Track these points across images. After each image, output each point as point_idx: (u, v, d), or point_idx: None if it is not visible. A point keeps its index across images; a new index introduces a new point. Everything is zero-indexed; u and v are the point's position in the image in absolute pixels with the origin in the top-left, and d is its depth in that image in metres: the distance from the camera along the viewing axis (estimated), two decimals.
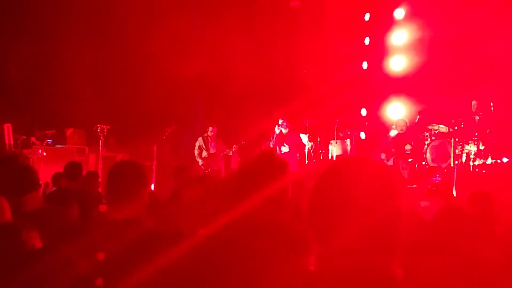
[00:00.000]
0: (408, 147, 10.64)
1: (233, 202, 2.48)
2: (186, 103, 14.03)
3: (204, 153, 12.31)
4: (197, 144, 12.40)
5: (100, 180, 8.22)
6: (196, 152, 12.36)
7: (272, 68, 14.86)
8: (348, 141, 12.98)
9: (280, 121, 12.18)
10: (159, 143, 12.49)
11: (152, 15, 13.77)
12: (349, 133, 13.00)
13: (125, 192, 2.88)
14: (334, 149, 12.79)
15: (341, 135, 12.95)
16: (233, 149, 12.15)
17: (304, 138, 12.89)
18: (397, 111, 13.28)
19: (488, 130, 11.41)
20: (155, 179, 11.79)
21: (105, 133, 11.87)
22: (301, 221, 1.85)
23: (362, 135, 13.73)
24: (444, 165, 11.27)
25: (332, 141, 12.93)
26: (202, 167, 12.05)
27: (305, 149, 12.76)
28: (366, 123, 14.01)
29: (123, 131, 13.02)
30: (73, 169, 7.20)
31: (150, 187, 11.17)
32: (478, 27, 12.24)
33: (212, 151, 12.27)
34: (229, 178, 2.74)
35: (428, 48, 12.97)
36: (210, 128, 12.35)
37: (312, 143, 13.02)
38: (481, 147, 11.29)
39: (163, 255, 2.40)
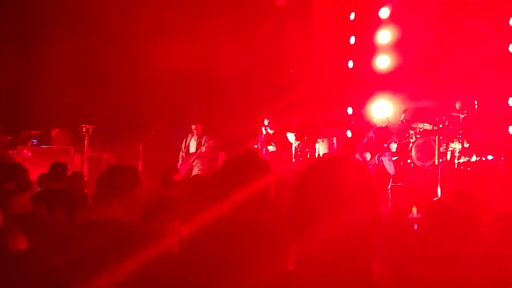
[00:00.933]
0: (393, 145, 10.65)
1: (215, 202, 2.49)
2: (172, 101, 13.98)
3: (182, 154, 12.26)
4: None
5: (85, 180, 8.19)
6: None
7: (259, 66, 14.87)
8: (334, 140, 13.03)
9: (265, 122, 12.21)
10: (144, 142, 12.45)
11: (135, 11, 13.69)
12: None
13: (116, 192, 2.89)
14: (321, 148, 12.83)
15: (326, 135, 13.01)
16: (206, 146, 12.01)
17: (291, 136, 12.92)
18: (383, 110, 13.33)
19: (472, 128, 11.51)
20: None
21: (90, 133, 11.82)
22: (282, 220, 1.87)
23: (349, 133, 13.79)
24: (429, 163, 11.35)
25: (319, 140, 12.97)
26: (179, 166, 11.90)
27: (291, 148, 12.79)
28: (352, 122, 14.06)
29: (108, 130, 12.97)
30: (57, 169, 7.18)
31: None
32: (462, 26, 12.34)
33: (192, 149, 12.19)
34: (213, 177, 2.75)
35: (413, 47, 13.04)
36: (193, 126, 12.30)
37: (298, 142, 13.05)
38: (466, 145, 11.38)
39: (146, 252, 2.41)
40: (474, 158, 11.32)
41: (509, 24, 12.03)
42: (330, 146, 12.91)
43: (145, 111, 13.55)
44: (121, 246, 2.59)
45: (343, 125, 13.84)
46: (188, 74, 13.89)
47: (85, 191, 7.70)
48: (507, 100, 11.96)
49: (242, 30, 14.90)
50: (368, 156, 10.80)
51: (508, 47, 11.99)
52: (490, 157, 11.43)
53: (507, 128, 11.83)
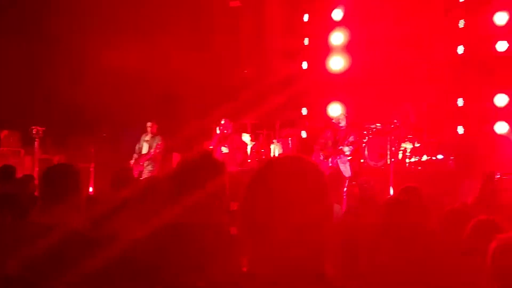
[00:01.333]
0: (347, 148, 10.63)
1: (169, 203, 2.46)
2: (125, 102, 13.76)
3: (135, 155, 12.10)
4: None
5: (36, 183, 8.01)
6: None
7: (213, 67, 14.84)
8: (289, 140, 13.10)
9: (222, 121, 12.17)
10: (97, 143, 12.24)
11: (83, 9, 13.44)
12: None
13: (58, 196, 2.83)
14: (276, 148, 12.88)
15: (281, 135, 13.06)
16: (156, 149, 11.89)
17: (246, 137, 12.92)
18: (337, 110, 13.49)
19: (423, 129, 11.77)
20: (93, 181, 11.54)
21: (40, 135, 11.56)
22: (236, 221, 1.86)
23: (303, 134, 13.89)
24: (381, 163, 11.54)
25: (274, 140, 13.02)
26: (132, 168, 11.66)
27: (246, 149, 12.79)
28: (307, 122, 14.17)
29: (60, 132, 12.71)
30: (6, 172, 7.00)
31: (87, 190, 10.94)
32: (413, 27, 12.59)
33: (144, 150, 12.03)
34: (167, 178, 2.72)
35: (366, 48, 13.24)
36: (149, 124, 12.13)
37: (254, 143, 13.07)
38: (417, 145, 11.62)
39: (97, 257, 2.36)
40: (424, 158, 11.58)
41: (458, 27, 12.35)
42: (285, 146, 12.97)
43: (97, 112, 13.30)
44: (68, 251, 2.54)
45: (298, 125, 13.93)
46: (141, 74, 13.73)
47: (36, 194, 7.52)
48: (456, 100, 12.27)
49: (196, 30, 14.83)
50: (322, 157, 10.81)
51: (457, 49, 12.30)
52: (440, 157, 11.71)
53: (456, 128, 12.15)
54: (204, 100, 14.17)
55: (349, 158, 10.87)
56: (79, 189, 3.01)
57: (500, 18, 11.66)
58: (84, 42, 13.27)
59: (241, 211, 1.83)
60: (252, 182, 1.85)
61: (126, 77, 13.55)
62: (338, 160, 10.50)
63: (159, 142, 11.94)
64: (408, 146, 11.54)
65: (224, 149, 11.98)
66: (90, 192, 10.73)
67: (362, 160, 11.99)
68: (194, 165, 2.59)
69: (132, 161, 11.94)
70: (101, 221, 3.54)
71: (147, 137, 12.10)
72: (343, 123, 10.76)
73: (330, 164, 10.55)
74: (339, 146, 10.59)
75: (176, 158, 12.97)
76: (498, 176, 10.33)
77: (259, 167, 1.90)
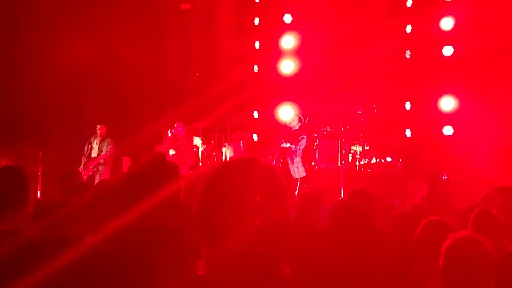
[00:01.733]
0: (285, 145, 10.60)
1: (123, 207, 2.43)
2: (74, 104, 13.48)
3: (84, 159, 11.90)
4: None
5: None
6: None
7: (165, 69, 14.73)
8: (241, 143, 13.11)
9: (175, 125, 12.09)
10: (45, 147, 11.95)
11: (28, 8, 13.11)
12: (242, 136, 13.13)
13: (6, 201, 2.75)
14: (228, 151, 12.87)
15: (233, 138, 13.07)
16: (107, 152, 11.74)
17: (198, 141, 12.87)
18: (288, 113, 13.59)
19: (372, 131, 11.97)
20: (41, 185, 11.27)
21: None
22: (192, 224, 1.85)
23: (255, 137, 13.92)
24: (331, 166, 11.68)
25: (225, 144, 13.01)
26: (81, 171, 11.42)
27: (197, 152, 12.73)
28: (258, 125, 14.21)
29: (6, 135, 12.34)
30: None
31: (36, 194, 10.68)
32: (362, 32, 12.81)
33: (94, 154, 11.84)
34: (119, 182, 2.68)
35: (316, 52, 13.40)
36: (98, 126, 11.94)
37: (205, 146, 13.03)
38: (366, 148, 11.82)
39: (49, 264, 2.31)
40: (374, 160, 11.78)
41: (405, 32, 12.63)
42: (237, 149, 12.99)
43: (45, 114, 13.00)
44: (19, 257, 2.47)
45: (250, 128, 13.96)
46: (90, 75, 13.51)
47: None
48: (404, 104, 12.54)
49: (148, 32, 14.68)
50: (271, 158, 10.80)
51: (404, 54, 12.58)
52: (388, 159, 11.94)
53: (404, 131, 12.41)
54: (155, 103, 14.04)
55: (296, 159, 10.83)
56: (28, 193, 2.92)
57: (446, 24, 11.97)
58: (32, 43, 12.94)
59: (197, 214, 1.82)
60: (208, 185, 1.85)
61: (76, 79, 13.30)
62: (289, 161, 10.52)
63: (110, 145, 11.75)
64: (358, 148, 11.72)
65: (171, 152, 11.89)
66: (38, 197, 10.48)
67: (313, 163, 12.11)
68: (148, 168, 2.56)
69: (81, 165, 11.73)
70: (52, 226, 3.46)
71: (97, 140, 11.89)
72: (294, 124, 10.80)
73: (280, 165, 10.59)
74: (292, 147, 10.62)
75: (126, 162, 12.80)
76: (445, 177, 10.63)
77: (214, 169, 1.90)
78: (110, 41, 13.75)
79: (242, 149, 12.99)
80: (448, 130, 11.79)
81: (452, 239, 3.16)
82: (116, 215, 2.39)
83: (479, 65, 11.56)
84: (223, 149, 12.99)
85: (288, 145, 10.44)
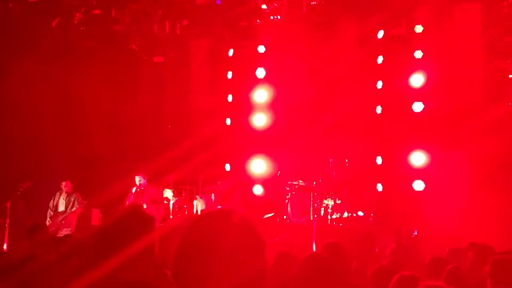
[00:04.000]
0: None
1: (96, 261, 2.37)
2: (42, 157, 13.31)
3: (50, 212, 11.76)
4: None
5: None
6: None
7: (136, 121, 14.70)
8: (212, 196, 13.04)
9: (137, 178, 12.02)
10: (13, 199, 11.71)
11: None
12: (219, 183, 13.10)
13: None
14: (199, 204, 12.77)
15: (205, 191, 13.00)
16: (79, 205, 11.66)
17: (169, 193, 12.75)
18: (260, 166, 13.62)
19: (343, 185, 12.03)
20: (7, 238, 10.98)
21: None
22: (167, 278, 1.80)
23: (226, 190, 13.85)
24: (303, 219, 11.66)
25: (197, 196, 12.92)
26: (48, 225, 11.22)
27: (168, 204, 12.59)
28: (230, 178, 14.17)
29: None
30: None
31: (2, 246, 10.39)
32: (334, 88, 13.05)
33: (61, 208, 11.72)
34: (92, 236, 2.62)
35: (288, 106, 13.56)
36: (63, 183, 11.89)
37: (176, 198, 12.91)
38: (338, 202, 11.85)
39: None
40: (345, 214, 11.80)
41: (376, 88, 12.89)
42: (208, 202, 12.90)
43: (14, 165, 12.80)
44: None
45: (222, 181, 13.90)
46: (59, 127, 13.41)
47: None
48: (375, 158, 12.68)
49: (119, 84, 14.71)
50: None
51: (375, 109, 12.80)
52: (360, 213, 11.97)
53: (375, 186, 12.50)
54: (126, 155, 13.93)
55: (270, 215, 10.97)
56: None
57: (416, 80, 12.25)
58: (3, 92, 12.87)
59: (174, 266, 1.78)
60: (184, 237, 1.82)
61: (44, 131, 13.18)
62: None
63: (79, 199, 11.71)
64: (330, 202, 11.74)
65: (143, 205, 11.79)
66: (4, 249, 10.20)
67: (284, 217, 12.08)
68: (124, 220, 2.51)
69: (48, 220, 11.56)
70: (19, 281, 3.35)
71: (63, 195, 11.83)
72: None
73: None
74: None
75: (96, 214, 12.60)
76: (415, 233, 10.69)
77: (191, 221, 1.87)
78: (80, 91, 13.71)
79: (213, 202, 12.91)
80: (418, 185, 11.89)
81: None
82: (88, 269, 2.33)
83: (449, 121, 11.80)
84: (195, 202, 12.88)
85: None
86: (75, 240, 3.75)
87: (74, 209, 11.68)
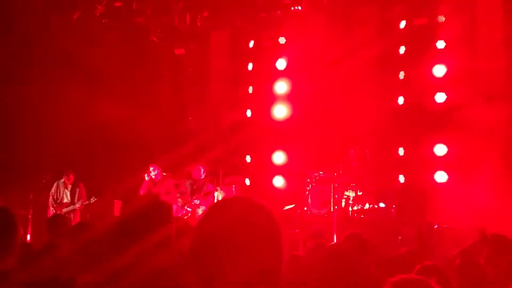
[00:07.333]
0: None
1: (115, 251, 2.38)
2: (64, 147, 13.42)
3: (52, 203, 11.82)
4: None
5: None
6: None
7: (158, 114, 14.75)
8: (233, 188, 13.06)
9: (151, 168, 12.05)
10: (36, 190, 11.87)
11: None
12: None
13: None
14: (220, 196, 12.79)
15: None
16: (87, 202, 11.73)
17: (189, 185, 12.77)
18: (280, 158, 13.62)
19: (365, 177, 11.96)
20: (31, 229, 11.12)
21: None
22: (185, 265, 1.81)
23: (247, 181, 13.88)
24: (324, 211, 11.62)
25: (217, 188, 12.93)
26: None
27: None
28: (251, 170, 14.19)
29: None
30: None
31: (25, 237, 10.52)
32: (354, 77, 12.95)
33: (65, 200, 11.78)
34: (111, 225, 2.64)
35: (309, 97, 13.49)
36: (66, 176, 11.93)
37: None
38: (359, 193, 11.78)
39: None
40: (367, 206, 11.73)
41: (398, 78, 12.76)
42: (229, 194, 12.91)
43: (37, 157, 12.95)
44: None
45: (242, 173, 13.93)
46: (81, 119, 13.54)
47: None
48: (397, 150, 12.56)
49: (142, 76, 14.79)
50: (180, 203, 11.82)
51: (397, 100, 12.67)
52: (382, 205, 11.89)
53: (397, 177, 12.39)
54: (148, 147, 14.00)
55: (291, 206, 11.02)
56: (15, 233, 2.85)
57: (439, 71, 12.11)
58: (25, 88, 13.01)
59: (191, 254, 1.78)
60: (202, 225, 1.82)
61: (67, 123, 13.30)
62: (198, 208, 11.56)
63: (82, 193, 11.77)
64: (351, 194, 11.68)
65: None
66: (28, 240, 10.34)
67: (305, 208, 12.06)
68: (142, 210, 2.53)
69: (51, 209, 11.60)
70: (41, 269, 3.38)
71: (68, 187, 11.85)
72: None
73: (189, 209, 11.68)
74: (195, 195, 11.71)
75: (118, 205, 12.70)
76: (436, 226, 10.57)
77: (208, 209, 1.88)
78: (104, 88, 13.83)
79: (234, 194, 12.92)
80: (441, 176, 11.76)
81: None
82: (108, 257, 2.35)
83: (471, 111, 11.62)
84: (215, 193, 12.90)
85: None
86: (95, 230, 3.77)
87: (78, 204, 11.68)
